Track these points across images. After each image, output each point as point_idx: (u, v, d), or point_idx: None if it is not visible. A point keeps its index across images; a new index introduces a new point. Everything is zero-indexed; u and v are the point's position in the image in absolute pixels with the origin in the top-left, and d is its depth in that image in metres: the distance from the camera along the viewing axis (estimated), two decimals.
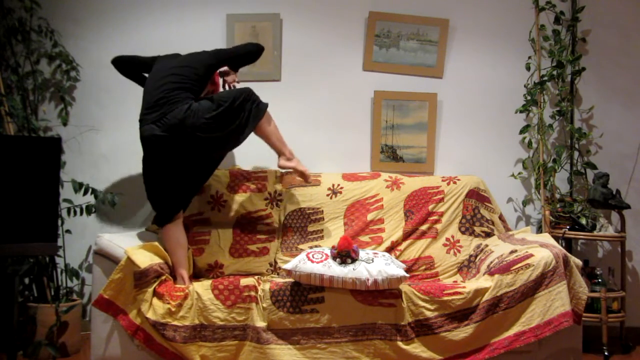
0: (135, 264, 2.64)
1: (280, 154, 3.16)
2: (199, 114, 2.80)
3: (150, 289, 2.63)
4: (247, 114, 2.98)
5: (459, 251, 3.26)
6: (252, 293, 2.64)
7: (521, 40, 3.72)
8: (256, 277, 2.86)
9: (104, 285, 2.66)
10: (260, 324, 2.61)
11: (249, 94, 3.02)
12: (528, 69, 3.69)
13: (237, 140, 3.01)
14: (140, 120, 2.88)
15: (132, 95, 3.69)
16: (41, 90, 3.65)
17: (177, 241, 2.92)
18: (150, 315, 2.59)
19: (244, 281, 2.68)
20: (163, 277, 2.70)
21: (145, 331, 2.61)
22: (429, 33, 3.73)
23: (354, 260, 2.63)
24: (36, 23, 3.59)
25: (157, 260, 2.75)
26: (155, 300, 2.62)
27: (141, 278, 2.63)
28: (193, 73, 2.99)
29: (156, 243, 2.90)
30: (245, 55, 3.21)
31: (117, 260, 2.69)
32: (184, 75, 2.96)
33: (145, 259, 2.69)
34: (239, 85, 3.24)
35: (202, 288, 2.66)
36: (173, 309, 2.59)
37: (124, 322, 2.63)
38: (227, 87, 3.27)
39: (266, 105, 3.08)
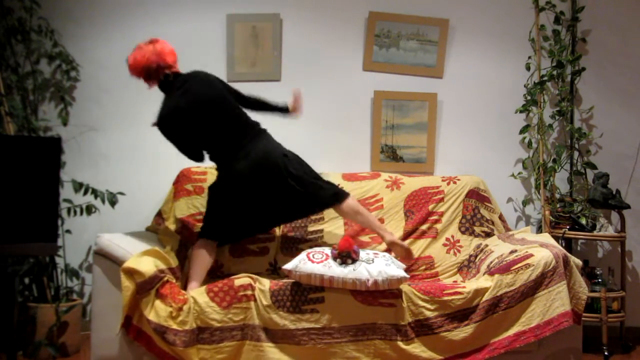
0: (134, 278, 2.57)
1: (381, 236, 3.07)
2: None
3: (153, 291, 2.59)
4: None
5: (459, 251, 3.26)
6: (249, 292, 2.63)
7: (521, 40, 3.72)
8: (249, 275, 2.77)
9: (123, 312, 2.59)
10: (260, 322, 2.60)
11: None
12: (528, 69, 3.69)
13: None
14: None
15: (132, 95, 3.70)
16: (41, 90, 3.65)
17: (201, 257, 2.93)
18: (152, 317, 2.55)
19: (239, 281, 2.66)
20: (165, 279, 2.64)
21: (146, 334, 2.59)
22: (429, 33, 3.73)
23: (354, 261, 2.63)
24: (36, 23, 3.59)
25: (153, 268, 2.62)
26: (157, 303, 2.58)
27: (143, 286, 2.58)
28: None
29: (157, 248, 2.87)
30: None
31: (117, 260, 2.66)
32: None
33: (144, 268, 2.59)
34: None
35: (197, 292, 2.64)
36: (174, 313, 2.56)
37: (125, 327, 2.61)
38: None
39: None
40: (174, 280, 2.72)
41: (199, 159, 3.04)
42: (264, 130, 3.03)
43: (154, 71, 2.91)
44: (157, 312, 2.56)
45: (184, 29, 3.72)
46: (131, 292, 2.56)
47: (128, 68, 2.94)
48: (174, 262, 2.89)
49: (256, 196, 2.91)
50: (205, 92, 2.92)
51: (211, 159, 3.03)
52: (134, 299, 2.58)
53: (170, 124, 2.90)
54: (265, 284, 2.67)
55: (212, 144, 2.96)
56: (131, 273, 2.57)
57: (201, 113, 2.88)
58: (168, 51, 2.96)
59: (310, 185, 2.96)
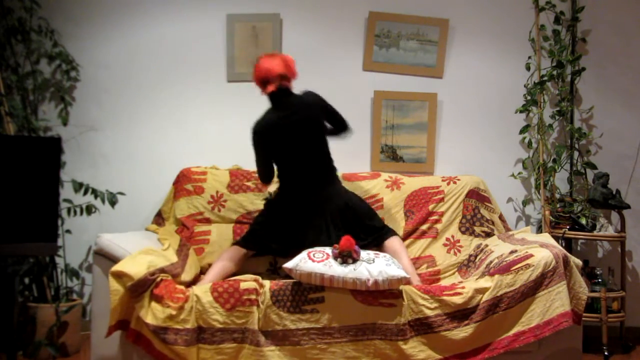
0: (123, 281, 2.54)
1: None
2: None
3: (147, 293, 2.55)
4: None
5: (459, 251, 3.26)
6: (253, 296, 2.61)
7: (521, 40, 3.72)
8: (255, 278, 2.77)
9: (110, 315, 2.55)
10: (260, 326, 2.59)
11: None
12: (528, 69, 3.69)
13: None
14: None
15: (131, 95, 3.70)
16: (41, 90, 3.65)
17: (222, 266, 2.99)
18: (150, 320, 2.51)
19: (244, 284, 2.64)
20: (158, 279, 2.59)
21: (146, 337, 2.56)
22: (429, 33, 3.73)
23: (355, 260, 2.63)
24: (36, 23, 3.59)
25: (143, 270, 2.57)
26: (154, 304, 2.54)
27: (135, 289, 2.54)
28: None
29: (152, 247, 2.85)
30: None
31: (117, 260, 2.65)
32: None
33: (133, 271, 2.55)
34: None
35: (202, 291, 2.62)
36: (174, 313, 2.54)
37: (124, 330, 2.60)
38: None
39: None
40: (169, 277, 2.66)
41: (267, 180, 3.15)
42: (337, 175, 3.19)
43: (272, 78, 3.06)
44: (154, 314, 2.53)
45: (184, 28, 3.72)
46: (120, 296, 2.53)
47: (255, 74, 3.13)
48: (173, 258, 2.86)
49: (305, 230, 3.01)
50: (305, 123, 3.07)
51: (279, 176, 3.14)
52: (126, 302, 2.56)
53: (261, 136, 3.05)
54: (266, 284, 2.67)
55: (289, 168, 3.09)
56: (120, 276, 2.54)
57: (292, 139, 3.03)
58: (292, 64, 3.14)
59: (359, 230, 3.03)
